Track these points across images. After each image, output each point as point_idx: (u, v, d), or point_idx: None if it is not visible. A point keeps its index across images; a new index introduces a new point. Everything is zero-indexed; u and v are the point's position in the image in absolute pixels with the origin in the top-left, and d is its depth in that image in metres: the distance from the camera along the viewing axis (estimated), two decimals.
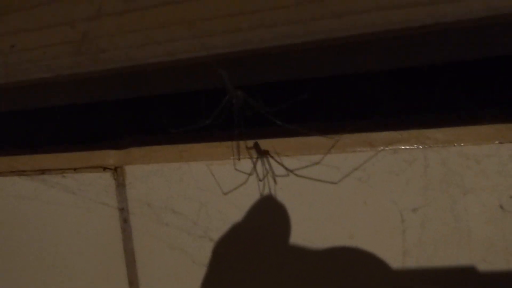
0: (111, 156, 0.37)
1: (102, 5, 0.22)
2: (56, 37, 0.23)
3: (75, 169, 0.39)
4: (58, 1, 0.22)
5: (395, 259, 0.31)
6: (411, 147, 0.29)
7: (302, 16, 0.20)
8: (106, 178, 0.38)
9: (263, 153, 0.33)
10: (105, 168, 0.38)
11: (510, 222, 0.28)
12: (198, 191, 0.35)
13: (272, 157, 0.32)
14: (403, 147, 0.30)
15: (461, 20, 0.20)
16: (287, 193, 0.33)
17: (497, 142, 0.28)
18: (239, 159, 0.32)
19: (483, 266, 0.29)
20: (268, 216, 0.33)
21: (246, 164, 0.33)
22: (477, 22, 0.20)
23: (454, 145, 0.29)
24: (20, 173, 0.40)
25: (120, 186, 0.37)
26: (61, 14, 0.23)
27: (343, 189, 0.31)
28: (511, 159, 0.28)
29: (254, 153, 0.33)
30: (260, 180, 0.31)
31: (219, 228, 0.35)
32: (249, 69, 0.25)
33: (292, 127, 0.25)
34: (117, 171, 0.37)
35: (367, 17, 0.20)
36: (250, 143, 0.33)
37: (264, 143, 0.33)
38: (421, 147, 0.29)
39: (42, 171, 0.40)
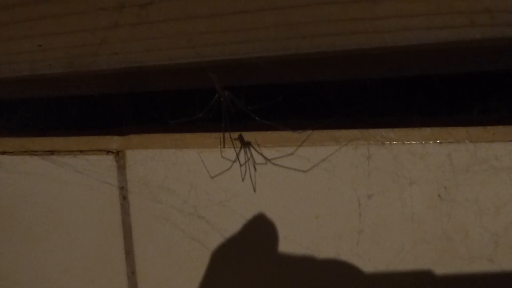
0: (114, 141, 0.43)
1: (118, 19, 0.27)
2: (79, 41, 0.29)
3: (81, 151, 0.44)
4: (84, 14, 0.28)
5: (352, 237, 0.37)
6: (369, 143, 0.35)
7: (278, 35, 0.26)
8: (109, 160, 0.43)
9: (246, 144, 0.38)
10: (108, 152, 0.43)
11: (445, 208, 0.34)
12: (189, 174, 0.40)
13: (253, 147, 0.38)
14: (362, 143, 0.36)
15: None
16: (264, 178, 0.38)
17: (438, 141, 0.34)
18: (225, 147, 0.38)
19: (422, 245, 0.35)
20: (248, 198, 0.39)
21: (231, 152, 0.39)
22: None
23: (404, 143, 0.35)
24: (31, 153, 0.45)
25: (121, 167, 0.43)
26: (85, 23, 0.28)
27: (311, 177, 0.37)
28: (448, 157, 0.34)
29: (238, 144, 0.38)
30: (241, 165, 0.37)
31: (206, 206, 0.40)
32: (234, 74, 0.30)
33: (268, 122, 0.31)
34: (119, 155, 0.43)
35: (327, 39, 0.26)
36: (235, 134, 0.38)
37: (247, 135, 0.38)
38: (377, 144, 0.35)
39: (52, 152, 0.45)
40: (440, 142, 0.34)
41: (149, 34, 0.27)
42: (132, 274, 0.44)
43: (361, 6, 0.25)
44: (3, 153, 0.46)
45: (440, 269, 0.35)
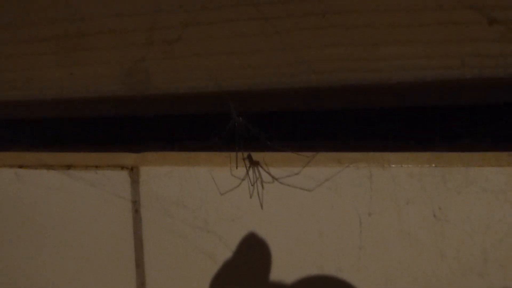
0: (129, 158, 0.45)
1: (147, 53, 0.30)
2: (108, 71, 0.32)
3: (97, 167, 0.46)
4: (115, 47, 0.30)
5: (353, 253, 0.39)
6: (370, 165, 0.38)
7: (289, 71, 0.29)
8: (123, 176, 0.45)
9: (254, 163, 0.41)
10: (122, 167, 0.45)
11: (440, 227, 0.37)
12: (200, 191, 0.43)
13: (261, 167, 0.41)
14: (363, 165, 0.38)
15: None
16: (272, 196, 0.41)
17: (433, 165, 0.37)
18: (235, 167, 0.40)
19: (418, 262, 0.38)
20: (255, 214, 0.42)
21: (240, 171, 0.42)
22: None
23: (402, 166, 0.38)
24: (48, 167, 0.48)
25: (135, 182, 0.45)
26: (115, 56, 0.31)
27: (316, 195, 0.40)
28: (442, 179, 0.37)
29: (247, 163, 0.41)
30: (252, 185, 0.40)
31: (216, 221, 0.43)
32: (248, 102, 0.33)
33: (278, 147, 0.33)
34: (133, 170, 0.45)
35: (336, 75, 0.29)
36: (245, 154, 0.41)
37: (256, 155, 0.41)
38: (377, 166, 0.38)
39: (68, 167, 0.47)
40: (435, 166, 0.37)
41: (173, 68, 0.30)
42: (141, 285, 0.47)
43: (365, 49, 0.28)
44: (21, 166, 0.48)
45: (435, 283, 0.37)
